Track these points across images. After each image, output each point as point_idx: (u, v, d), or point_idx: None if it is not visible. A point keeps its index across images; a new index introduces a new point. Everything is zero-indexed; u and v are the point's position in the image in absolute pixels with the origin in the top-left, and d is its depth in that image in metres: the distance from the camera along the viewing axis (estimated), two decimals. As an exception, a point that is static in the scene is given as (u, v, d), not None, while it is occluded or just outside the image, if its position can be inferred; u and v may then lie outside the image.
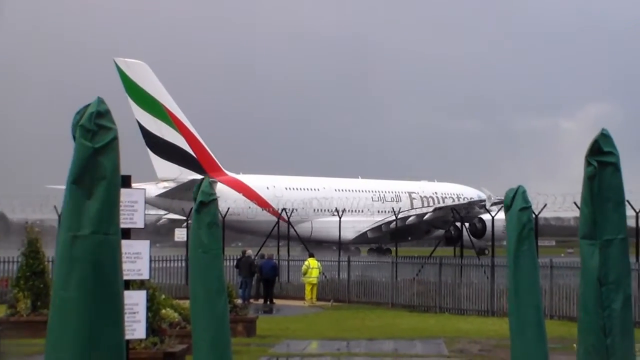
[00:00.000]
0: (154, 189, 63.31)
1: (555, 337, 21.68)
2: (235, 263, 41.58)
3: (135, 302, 9.83)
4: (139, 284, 11.76)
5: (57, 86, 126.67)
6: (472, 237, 59.52)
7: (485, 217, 64.14)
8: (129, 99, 63.06)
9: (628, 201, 32.96)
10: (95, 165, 6.35)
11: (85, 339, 6.24)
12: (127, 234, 9.74)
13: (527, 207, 10.78)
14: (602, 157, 8.41)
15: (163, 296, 22.13)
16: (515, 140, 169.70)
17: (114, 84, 63.64)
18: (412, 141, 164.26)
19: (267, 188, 68.83)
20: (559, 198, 41.90)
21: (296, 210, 49.32)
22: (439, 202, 76.94)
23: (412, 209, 75.16)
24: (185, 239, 41.32)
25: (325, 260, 42.33)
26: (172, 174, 65.18)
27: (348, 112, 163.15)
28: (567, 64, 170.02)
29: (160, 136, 64.80)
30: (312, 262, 40.07)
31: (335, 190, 69.88)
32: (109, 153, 6.40)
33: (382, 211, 73.07)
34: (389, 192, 77.43)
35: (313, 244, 58.03)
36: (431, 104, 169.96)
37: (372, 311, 35.62)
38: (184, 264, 40.55)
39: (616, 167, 8.50)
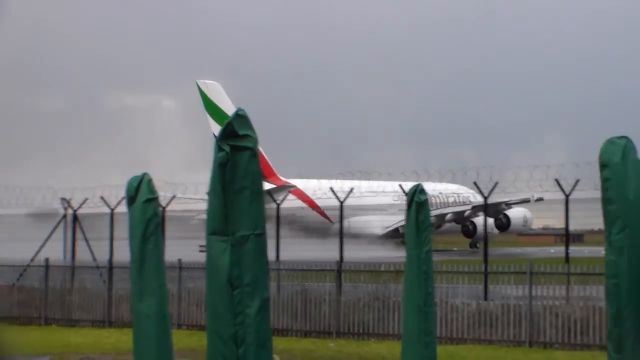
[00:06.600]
0: None
1: (184, 349, 22.24)
2: None
3: None
4: None
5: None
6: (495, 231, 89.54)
7: (510, 212, 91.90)
8: (207, 115, 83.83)
9: (269, 192, 34.59)
10: None
11: None
12: None
13: (153, 199, 11.01)
14: (237, 141, 8.74)
15: None
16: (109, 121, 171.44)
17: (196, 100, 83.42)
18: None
19: (314, 191, 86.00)
20: (191, 187, 42.95)
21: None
22: (444, 201, 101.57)
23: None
24: None
25: None
26: None
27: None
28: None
29: None
30: None
31: (365, 191, 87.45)
32: None
33: (402, 210, 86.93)
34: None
35: (349, 238, 68.72)
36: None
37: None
38: None
39: (253, 152, 8.86)
